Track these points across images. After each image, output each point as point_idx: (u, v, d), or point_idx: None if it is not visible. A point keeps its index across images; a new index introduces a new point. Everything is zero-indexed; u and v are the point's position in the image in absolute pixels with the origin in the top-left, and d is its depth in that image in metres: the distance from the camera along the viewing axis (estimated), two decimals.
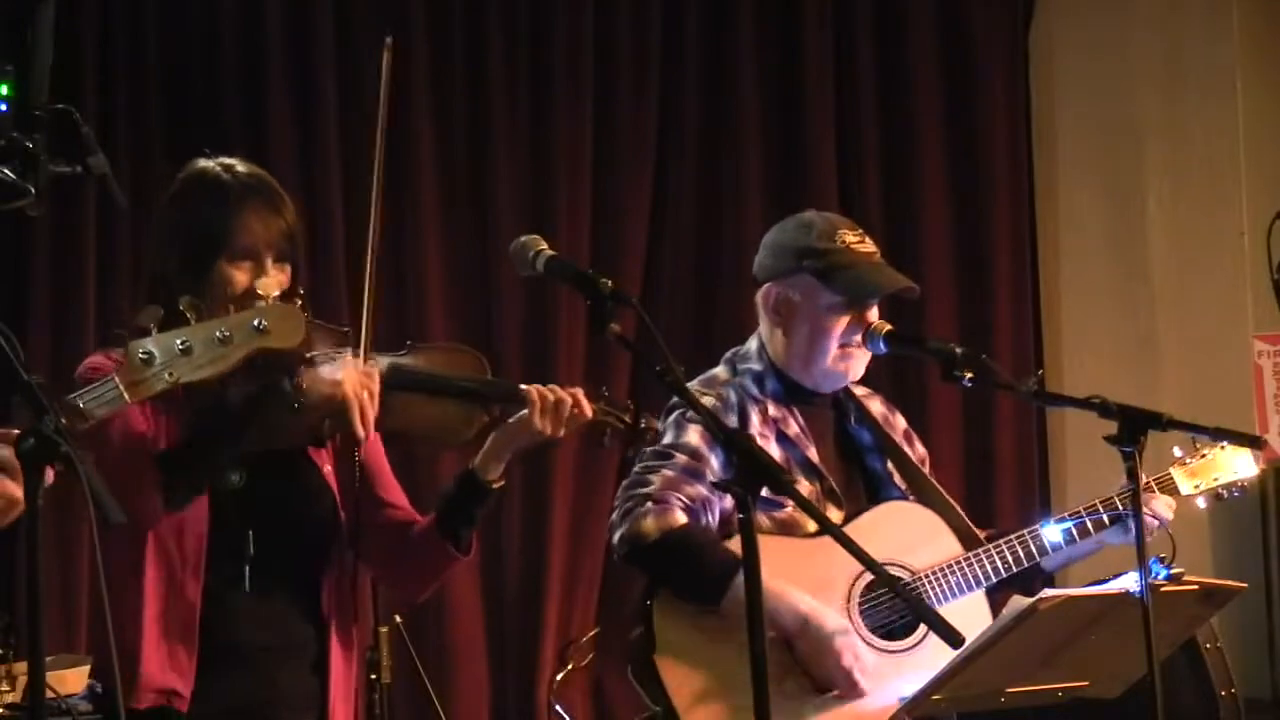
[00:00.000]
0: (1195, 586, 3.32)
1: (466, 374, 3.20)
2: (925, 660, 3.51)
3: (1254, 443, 3.70)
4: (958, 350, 3.48)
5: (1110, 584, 3.33)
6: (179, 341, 2.49)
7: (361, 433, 3.04)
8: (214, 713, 3.08)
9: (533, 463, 5.34)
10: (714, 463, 3.53)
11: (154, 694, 3.05)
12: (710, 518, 3.55)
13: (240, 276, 3.08)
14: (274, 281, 3.10)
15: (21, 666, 4.47)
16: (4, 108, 2.64)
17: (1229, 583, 3.46)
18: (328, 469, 3.22)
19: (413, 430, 3.18)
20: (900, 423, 3.84)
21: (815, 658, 3.46)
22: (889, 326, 3.67)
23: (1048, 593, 3.17)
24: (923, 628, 3.53)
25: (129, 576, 3.05)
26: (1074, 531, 3.62)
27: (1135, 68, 6.09)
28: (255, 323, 2.53)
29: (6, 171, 2.60)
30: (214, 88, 5.56)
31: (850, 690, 3.47)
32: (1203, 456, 3.73)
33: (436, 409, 3.15)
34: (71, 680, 4.46)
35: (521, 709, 5.65)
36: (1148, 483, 3.63)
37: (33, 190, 2.61)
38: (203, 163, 3.20)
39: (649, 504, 3.49)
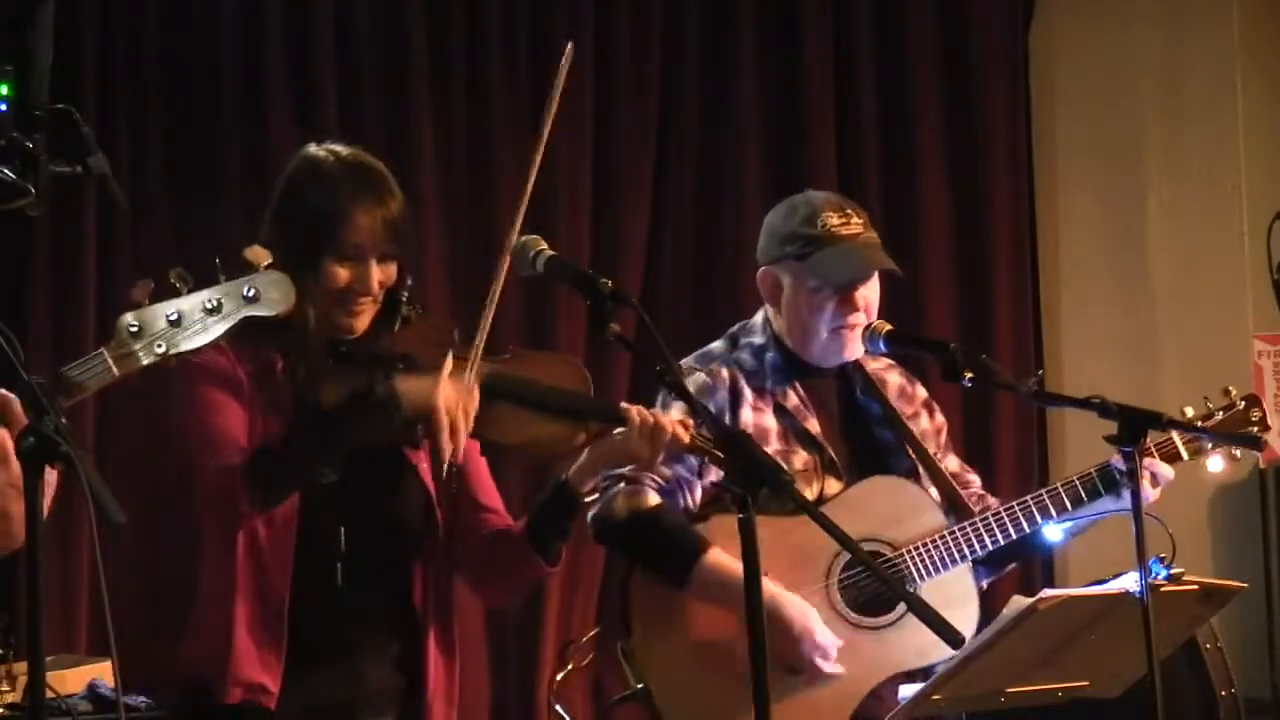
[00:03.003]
0: (1195, 586, 3.32)
1: (567, 389, 3.15)
2: (907, 634, 3.54)
3: (1254, 443, 3.70)
4: (958, 350, 3.48)
5: (1110, 584, 3.33)
6: (168, 313, 2.49)
7: (448, 452, 2.99)
8: (299, 709, 3.07)
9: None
10: None
11: (242, 689, 3.04)
12: (689, 498, 3.57)
13: (343, 273, 3.08)
14: (376, 279, 3.10)
15: (21, 666, 4.47)
16: (4, 108, 2.64)
17: (1229, 583, 3.47)
18: (424, 467, 3.19)
19: (509, 443, 3.13)
20: (921, 392, 3.86)
21: (781, 643, 3.47)
22: (889, 326, 3.68)
23: (1048, 593, 3.17)
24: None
25: (220, 571, 3.06)
26: (1065, 499, 3.61)
27: (1135, 68, 6.09)
28: (245, 290, 2.53)
29: (6, 171, 2.60)
30: (214, 88, 5.57)
31: (815, 674, 3.49)
32: (1210, 416, 3.73)
33: (535, 423, 3.11)
34: (71, 680, 4.47)
35: (521, 709, 5.65)
36: (1148, 447, 3.63)
37: (33, 190, 2.61)
38: (311, 150, 3.20)
39: (621, 484, 3.51)
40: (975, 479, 3.87)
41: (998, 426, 5.94)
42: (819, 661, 3.50)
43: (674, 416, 3.18)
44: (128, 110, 5.49)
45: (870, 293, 3.67)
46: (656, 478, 3.51)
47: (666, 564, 3.52)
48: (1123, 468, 3.54)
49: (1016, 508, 3.63)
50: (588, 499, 3.20)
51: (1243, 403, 3.76)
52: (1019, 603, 3.16)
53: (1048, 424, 6.04)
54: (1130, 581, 3.19)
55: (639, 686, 3.53)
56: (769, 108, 5.96)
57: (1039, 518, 3.63)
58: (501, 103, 5.76)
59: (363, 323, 3.12)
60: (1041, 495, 3.64)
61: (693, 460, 3.54)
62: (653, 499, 3.51)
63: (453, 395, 3.00)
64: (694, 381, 3.62)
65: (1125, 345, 6.03)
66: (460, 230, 5.72)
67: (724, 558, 3.48)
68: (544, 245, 3.11)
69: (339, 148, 3.20)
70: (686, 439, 3.13)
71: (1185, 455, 3.69)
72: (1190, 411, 3.72)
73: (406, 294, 3.16)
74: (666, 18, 5.90)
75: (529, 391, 3.11)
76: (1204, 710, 3.96)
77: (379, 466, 3.15)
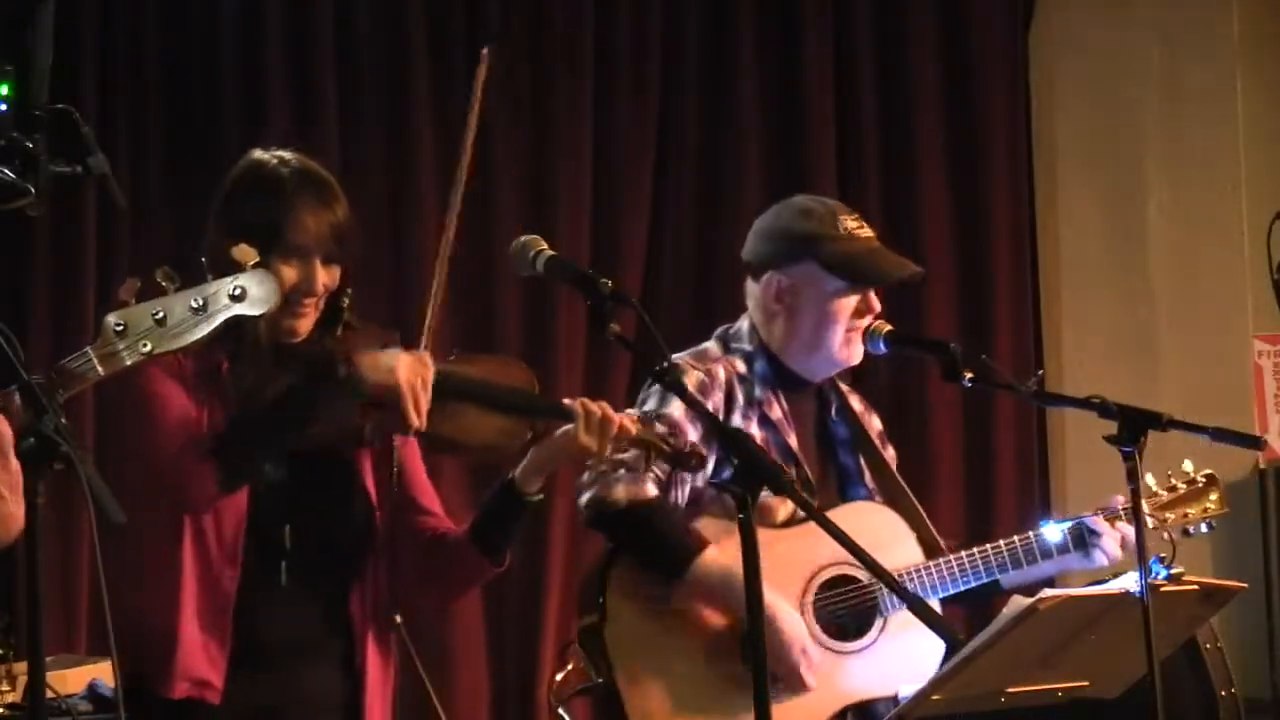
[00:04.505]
0: (1195, 586, 3.31)
1: (514, 387, 3.17)
2: (875, 661, 3.56)
3: (1253, 443, 3.70)
4: (958, 350, 3.49)
5: (1110, 584, 3.33)
6: (154, 312, 2.48)
7: (415, 421, 3.01)
8: (239, 708, 3.07)
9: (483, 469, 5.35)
10: (693, 438, 3.54)
11: (188, 683, 3.03)
12: (680, 493, 3.56)
13: (289, 273, 3.07)
14: (321, 280, 3.10)
15: (21, 666, 4.47)
16: (4, 108, 2.64)
17: (1229, 583, 3.46)
18: (368, 471, 3.20)
19: (458, 440, 3.15)
20: (875, 423, 3.85)
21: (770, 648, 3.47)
22: (889, 326, 3.68)
23: (1048, 593, 3.17)
24: (875, 629, 3.60)
25: (166, 564, 3.04)
26: (1036, 551, 3.64)
27: (1135, 68, 6.08)
28: (232, 289, 2.53)
29: (6, 171, 2.60)
30: (214, 88, 5.56)
31: (795, 686, 3.49)
32: (1174, 490, 3.74)
33: (484, 421, 3.12)
34: (72, 680, 4.46)
35: (521, 709, 5.65)
36: (1119, 513, 3.65)
37: (33, 190, 2.61)
38: (258, 154, 3.20)
39: (621, 470, 3.50)
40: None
41: (998, 426, 5.94)
42: (803, 672, 3.50)
43: (632, 413, 3.18)
44: (128, 110, 5.49)
45: (877, 299, 3.69)
46: (656, 470, 3.51)
47: (662, 557, 3.51)
48: (1096, 528, 3.62)
49: (990, 552, 3.65)
50: (534, 498, 3.18)
51: (1203, 480, 3.77)
52: (1019, 603, 3.15)
53: (1048, 424, 6.04)
54: (1130, 581, 3.19)
55: (598, 681, 3.52)
56: (769, 108, 5.95)
57: (1009, 566, 3.65)
58: (501, 103, 5.76)
59: (305, 325, 3.12)
60: (1014, 543, 3.66)
61: None
62: (652, 490, 3.51)
63: (410, 364, 3.02)
64: (692, 379, 3.61)
65: (1125, 345, 6.03)
66: (460, 230, 5.70)
67: (723, 557, 3.48)
68: (544, 245, 3.10)
69: (286, 154, 3.20)
70: (634, 431, 3.14)
71: (1150, 524, 3.70)
72: (1151, 481, 3.73)
73: (347, 301, 3.15)
74: (666, 18, 5.90)
75: (478, 389, 3.13)
76: (1204, 710, 3.95)
77: (325, 468, 3.15)
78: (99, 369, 2.48)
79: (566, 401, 3.14)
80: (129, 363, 2.48)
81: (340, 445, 3.16)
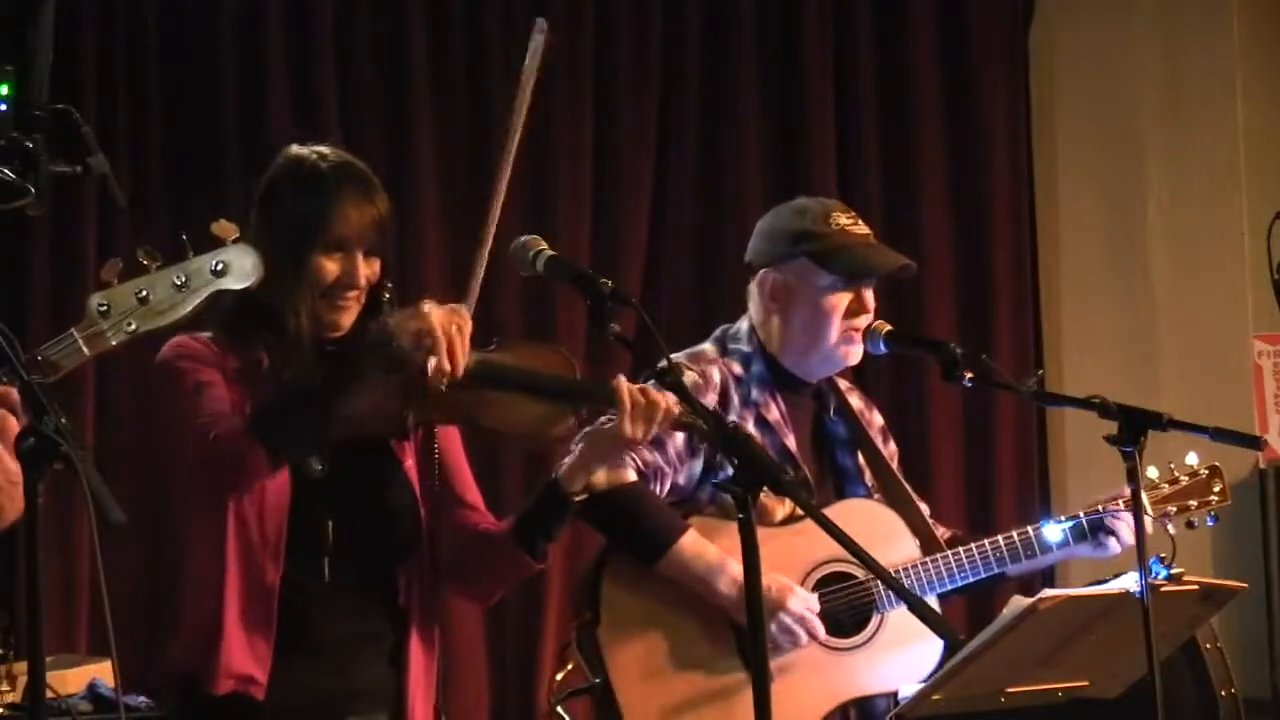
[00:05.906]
0: (1195, 586, 3.31)
1: (555, 374, 3.14)
2: (872, 658, 3.56)
3: (1253, 443, 3.70)
4: (958, 350, 3.48)
5: (1110, 584, 3.33)
6: (137, 291, 2.49)
7: (447, 366, 2.98)
8: (288, 703, 3.06)
9: (533, 462, 5.34)
10: (679, 437, 3.54)
11: (233, 680, 3.03)
12: (660, 488, 3.56)
13: (331, 267, 3.07)
14: (363, 273, 3.10)
15: (21, 666, 4.48)
16: (4, 108, 2.64)
17: (1229, 583, 3.46)
18: (409, 463, 3.19)
19: (501, 428, 3.13)
20: (877, 419, 3.85)
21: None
22: (889, 326, 3.68)
23: (1048, 593, 3.17)
24: (872, 626, 3.59)
25: (210, 562, 3.04)
26: (1035, 546, 3.63)
27: (1135, 68, 6.09)
28: (213, 264, 2.53)
29: (6, 171, 2.60)
30: (214, 88, 5.57)
31: (808, 634, 3.48)
32: (1176, 482, 3.73)
33: (526, 407, 3.09)
34: (72, 680, 4.47)
35: (521, 709, 5.65)
36: (1118, 504, 3.64)
37: (33, 190, 2.62)
38: (296, 150, 3.19)
39: None
40: (925, 508, 3.86)
41: (998, 426, 5.94)
42: (811, 620, 3.49)
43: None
44: (128, 110, 5.49)
45: (872, 298, 3.69)
46: (638, 458, 3.51)
47: (643, 540, 3.49)
48: (1106, 521, 3.62)
49: (989, 548, 3.63)
50: (578, 497, 3.14)
51: (1206, 472, 3.76)
52: (1019, 603, 3.15)
53: (1048, 424, 6.04)
54: (1130, 581, 3.19)
55: (595, 681, 3.52)
56: (769, 107, 5.96)
57: (1008, 562, 3.64)
58: (501, 102, 5.75)
59: (349, 319, 3.12)
60: (1013, 539, 3.64)
61: (672, 452, 3.54)
62: (631, 475, 3.50)
63: (443, 313, 3.02)
64: (686, 379, 3.61)
65: (1125, 345, 6.03)
66: (460, 231, 5.71)
67: (703, 542, 3.48)
68: (544, 245, 3.10)
69: (325, 149, 3.20)
70: (677, 412, 3.09)
71: (1150, 513, 3.68)
72: (1153, 473, 3.72)
73: (388, 294, 3.15)
74: (666, 18, 5.91)
75: (519, 377, 3.11)
76: (1204, 710, 3.95)
77: (367, 461, 3.14)
78: (84, 350, 2.48)
79: (613, 385, 3.08)
80: (114, 343, 2.49)
81: (383, 434, 3.14)
